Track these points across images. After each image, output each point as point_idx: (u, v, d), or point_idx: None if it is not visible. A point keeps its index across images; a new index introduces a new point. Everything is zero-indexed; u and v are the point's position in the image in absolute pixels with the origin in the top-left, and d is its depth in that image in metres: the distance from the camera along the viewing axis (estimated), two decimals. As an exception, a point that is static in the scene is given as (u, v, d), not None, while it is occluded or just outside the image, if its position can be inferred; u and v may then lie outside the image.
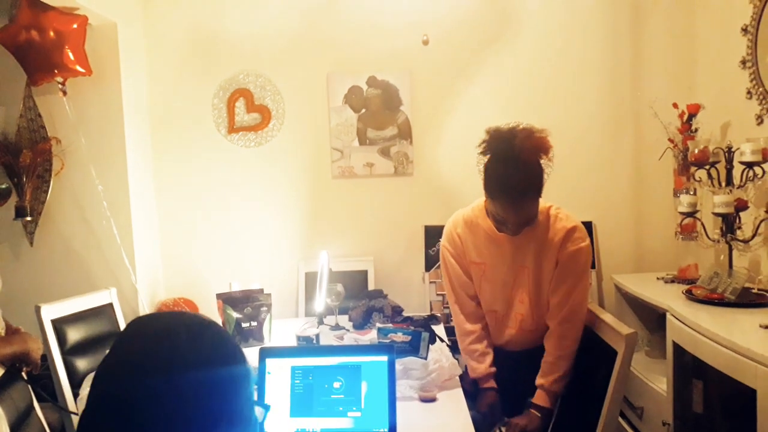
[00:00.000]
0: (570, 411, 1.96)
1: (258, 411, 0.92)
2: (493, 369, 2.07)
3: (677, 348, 2.13)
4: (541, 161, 1.90)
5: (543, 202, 2.02)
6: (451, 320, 2.38)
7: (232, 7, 3.27)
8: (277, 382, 1.61)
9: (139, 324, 0.89)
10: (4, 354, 1.63)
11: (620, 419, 2.59)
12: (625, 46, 3.20)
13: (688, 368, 2.09)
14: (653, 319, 2.73)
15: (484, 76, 3.27)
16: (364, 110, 3.32)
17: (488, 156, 1.92)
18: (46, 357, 2.02)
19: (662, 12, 3.16)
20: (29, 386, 1.76)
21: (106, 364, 0.84)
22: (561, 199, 2.14)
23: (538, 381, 1.98)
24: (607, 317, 1.89)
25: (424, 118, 3.30)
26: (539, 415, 1.94)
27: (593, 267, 3.16)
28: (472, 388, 2.06)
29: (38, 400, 1.83)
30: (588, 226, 3.17)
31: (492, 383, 2.06)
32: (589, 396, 1.84)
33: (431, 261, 3.18)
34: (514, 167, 1.84)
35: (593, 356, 1.89)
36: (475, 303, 2.14)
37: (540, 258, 1.99)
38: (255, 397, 0.92)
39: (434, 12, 3.21)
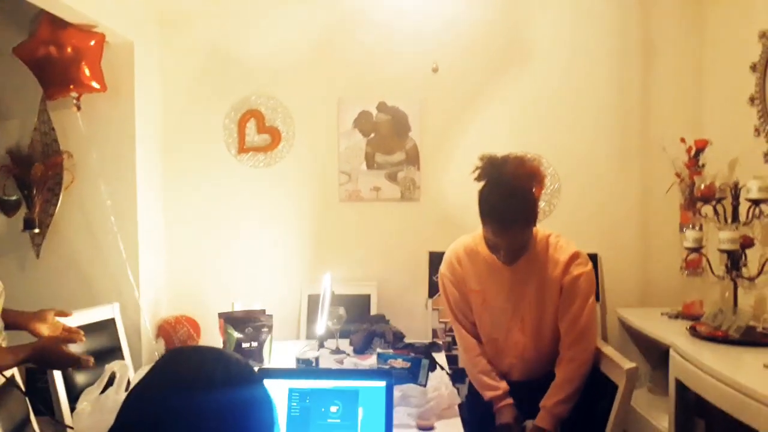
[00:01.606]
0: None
1: None
2: (508, 387, 2.05)
3: (680, 385, 2.10)
4: (534, 189, 1.92)
5: (543, 231, 2.03)
6: (454, 348, 2.37)
7: (246, 30, 3.32)
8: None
9: (178, 351, 0.98)
10: (7, 364, 1.61)
11: (621, 456, 2.55)
12: (633, 80, 3.22)
13: (691, 406, 2.06)
14: (656, 354, 2.70)
15: (493, 106, 3.29)
16: (373, 135, 3.34)
17: (482, 182, 1.95)
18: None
19: (671, 47, 3.18)
20: (26, 398, 1.76)
21: (147, 382, 0.89)
22: (567, 230, 2.14)
23: (542, 402, 1.95)
24: (609, 350, 1.87)
25: (432, 144, 3.32)
26: None
27: (597, 299, 3.14)
28: (473, 415, 2.05)
29: (35, 413, 1.82)
30: (593, 258, 3.14)
31: (511, 400, 2.03)
32: (589, 430, 1.82)
33: (435, 287, 3.17)
34: (505, 194, 1.89)
35: (593, 389, 1.87)
36: (476, 329, 2.13)
37: (542, 287, 1.99)
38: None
39: (444, 40, 3.25)
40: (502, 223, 1.89)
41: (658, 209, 3.18)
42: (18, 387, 1.70)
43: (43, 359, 1.65)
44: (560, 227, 2.21)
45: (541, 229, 2.04)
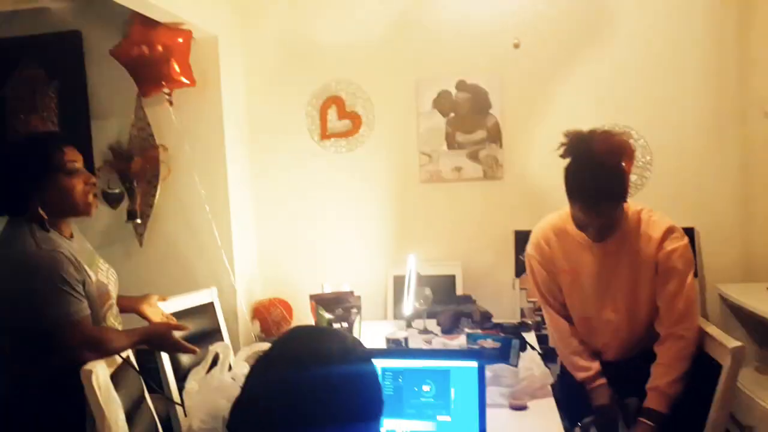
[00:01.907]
0: (672, 429, 1.86)
1: None
2: (600, 367, 2.00)
3: (791, 364, 1.98)
4: (623, 164, 1.84)
5: (634, 206, 1.96)
6: (543, 328, 2.34)
7: (324, 18, 3.37)
8: (368, 383, 1.64)
9: (298, 329, 1.04)
10: (124, 345, 1.74)
11: (727, 438, 2.45)
12: (730, 41, 3.02)
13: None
14: (763, 332, 2.55)
15: (577, 77, 3.18)
16: (452, 114, 3.32)
17: (568, 159, 1.89)
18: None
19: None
20: (141, 377, 1.90)
21: (269, 358, 0.96)
22: (661, 204, 2.06)
23: (652, 384, 1.86)
24: (712, 329, 1.79)
25: (514, 121, 3.25)
26: (652, 424, 1.83)
27: (695, 276, 3.00)
28: (566, 395, 2.01)
29: (148, 391, 1.96)
30: (689, 232, 3.00)
31: (605, 380, 1.98)
32: (692, 413, 1.75)
33: (521, 267, 3.12)
34: (593, 170, 1.82)
35: (697, 370, 1.80)
36: (566, 310, 2.09)
37: (635, 264, 1.92)
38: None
39: (525, 14, 3.16)
40: (591, 200, 1.84)
41: (760, 179, 2.98)
42: (133, 367, 1.84)
43: (154, 343, 1.82)
44: (653, 202, 2.12)
45: (632, 204, 1.97)
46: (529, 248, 2.14)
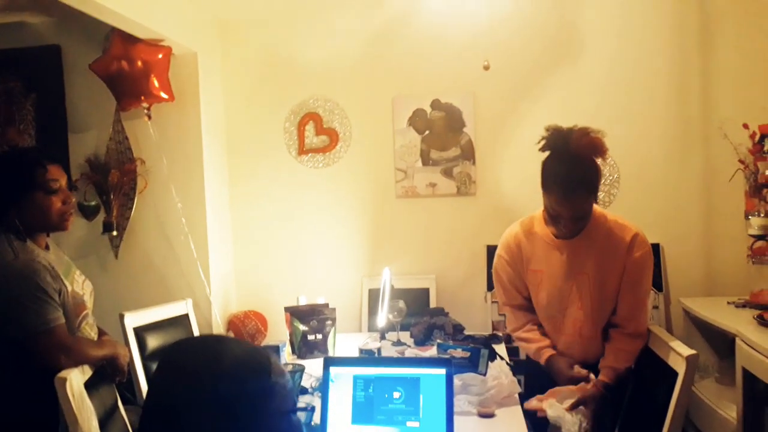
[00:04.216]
0: (631, 432, 1.94)
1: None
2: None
3: (747, 374, 2.07)
4: (597, 161, 1.94)
5: (601, 210, 2.05)
6: (513, 341, 2.40)
7: (303, 36, 3.44)
8: (340, 390, 1.68)
9: (183, 342, 1.03)
10: (96, 356, 1.79)
11: (688, 447, 2.53)
12: (693, 66, 3.16)
13: (759, 395, 2.03)
14: (724, 344, 2.64)
15: (547, 97, 3.29)
16: (427, 132, 3.40)
17: (546, 152, 1.99)
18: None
19: (733, 31, 3.09)
20: (114, 387, 1.92)
21: (157, 378, 0.94)
22: (627, 220, 2.13)
23: (611, 364, 1.99)
24: (669, 338, 1.87)
25: (487, 138, 3.35)
26: (603, 390, 1.95)
27: (661, 290, 3.10)
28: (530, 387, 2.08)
29: (122, 402, 1.98)
30: (655, 248, 3.11)
31: (554, 351, 2.09)
32: (650, 418, 1.82)
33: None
34: (569, 161, 1.92)
35: (653, 378, 1.87)
36: (528, 304, 2.19)
37: (603, 264, 2.00)
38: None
39: (495, 34, 3.27)
40: (566, 189, 1.91)
41: (721, 197, 3.11)
42: (108, 377, 1.86)
43: (112, 363, 1.86)
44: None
45: (598, 209, 2.06)
46: (499, 250, 2.23)
